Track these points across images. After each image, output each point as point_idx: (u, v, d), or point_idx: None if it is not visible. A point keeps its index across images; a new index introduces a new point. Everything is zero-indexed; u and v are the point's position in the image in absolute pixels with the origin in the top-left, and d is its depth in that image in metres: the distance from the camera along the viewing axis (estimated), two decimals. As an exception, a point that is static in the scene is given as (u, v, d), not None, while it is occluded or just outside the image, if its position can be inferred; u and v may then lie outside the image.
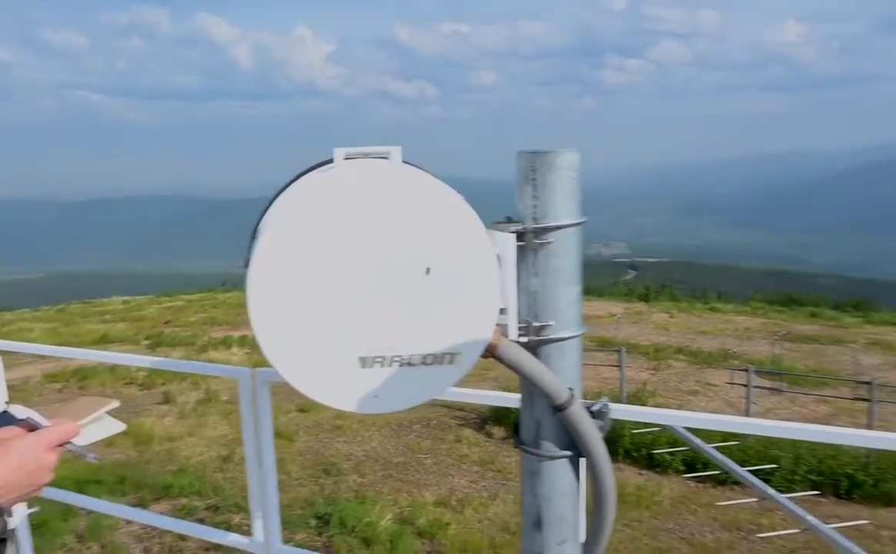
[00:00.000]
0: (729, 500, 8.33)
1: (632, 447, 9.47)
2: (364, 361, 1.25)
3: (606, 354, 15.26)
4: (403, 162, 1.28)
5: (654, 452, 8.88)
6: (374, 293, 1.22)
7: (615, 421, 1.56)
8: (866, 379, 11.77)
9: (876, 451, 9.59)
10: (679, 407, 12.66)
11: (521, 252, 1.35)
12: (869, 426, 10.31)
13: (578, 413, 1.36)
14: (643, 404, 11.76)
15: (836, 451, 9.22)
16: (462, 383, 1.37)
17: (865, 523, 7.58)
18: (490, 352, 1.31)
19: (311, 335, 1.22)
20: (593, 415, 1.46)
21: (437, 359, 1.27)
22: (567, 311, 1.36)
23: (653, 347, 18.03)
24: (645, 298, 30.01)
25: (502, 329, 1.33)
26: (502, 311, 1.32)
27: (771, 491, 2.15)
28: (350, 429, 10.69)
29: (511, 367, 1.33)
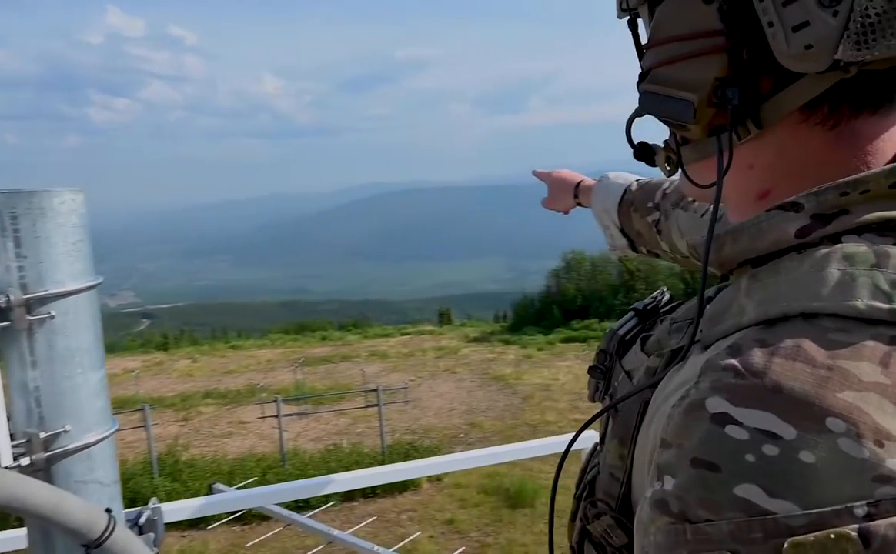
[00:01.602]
0: (272, 530, 8.47)
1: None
2: None
3: (128, 414, 13.85)
4: None
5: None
6: None
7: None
8: (372, 387, 13.56)
9: (388, 447, 11.11)
10: (214, 453, 12.36)
11: (8, 336, 0.93)
12: (380, 427, 11.88)
13: (123, 539, 1.02)
14: (177, 460, 11.13)
15: (359, 458, 10.30)
16: None
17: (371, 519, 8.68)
18: (-32, 496, 0.86)
19: None
20: (141, 530, 1.13)
21: None
22: (90, 405, 1.00)
23: (179, 397, 17.20)
24: (164, 346, 28.40)
25: (-14, 455, 0.89)
26: (-17, 429, 0.88)
27: (278, 509, 2.17)
28: None
29: (10, 508, 0.90)
